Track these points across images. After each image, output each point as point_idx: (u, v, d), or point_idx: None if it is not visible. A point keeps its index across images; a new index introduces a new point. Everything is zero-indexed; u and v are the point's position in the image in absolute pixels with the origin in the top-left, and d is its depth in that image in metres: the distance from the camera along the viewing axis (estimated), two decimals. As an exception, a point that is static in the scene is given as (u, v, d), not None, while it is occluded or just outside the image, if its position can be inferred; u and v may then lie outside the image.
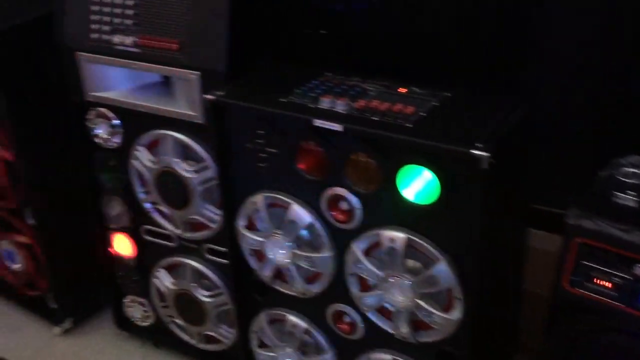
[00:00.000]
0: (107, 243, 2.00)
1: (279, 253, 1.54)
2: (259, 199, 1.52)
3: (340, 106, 1.35)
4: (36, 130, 1.92)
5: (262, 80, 1.56)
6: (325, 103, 1.36)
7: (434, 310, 1.37)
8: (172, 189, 1.74)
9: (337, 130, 1.30)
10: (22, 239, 2.10)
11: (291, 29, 1.77)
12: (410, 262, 1.36)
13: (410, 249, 1.34)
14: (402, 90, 1.42)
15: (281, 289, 1.62)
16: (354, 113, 1.33)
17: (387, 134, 1.25)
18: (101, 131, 1.82)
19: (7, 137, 1.91)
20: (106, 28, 1.66)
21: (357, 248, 1.41)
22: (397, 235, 1.33)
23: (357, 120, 1.31)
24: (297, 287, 1.57)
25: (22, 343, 2.19)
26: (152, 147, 1.75)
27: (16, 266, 2.17)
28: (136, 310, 2.08)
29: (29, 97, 1.88)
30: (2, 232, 2.15)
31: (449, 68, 1.74)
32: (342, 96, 1.38)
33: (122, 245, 1.98)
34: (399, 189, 1.30)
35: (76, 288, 2.17)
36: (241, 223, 1.58)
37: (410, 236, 1.32)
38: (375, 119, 1.30)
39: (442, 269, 1.32)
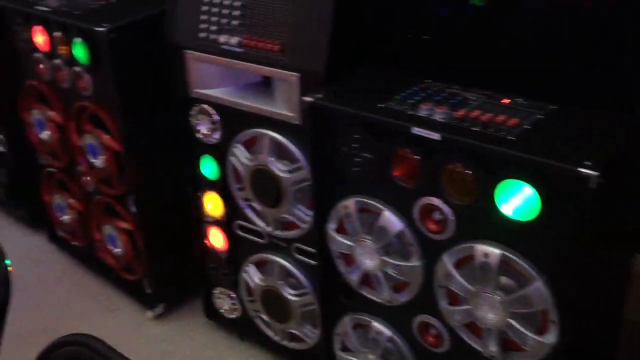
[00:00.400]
0: (202, 235, 2.07)
1: (368, 258, 1.53)
2: (350, 203, 1.52)
3: (440, 115, 1.32)
4: (143, 123, 2.02)
5: (361, 85, 1.55)
6: (424, 111, 1.34)
7: (526, 332, 1.31)
8: (266, 187, 1.78)
9: (435, 139, 1.27)
10: (124, 225, 2.22)
11: (393, 33, 1.75)
12: (504, 279, 1.31)
13: (505, 265, 1.29)
14: (506, 101, 1.38)
15: (367, 295, 1.61)
16: (453, 122, 1.30)
17: (488, 146, 1.21)
18: (203, 127, 1.88)
19: (117, 129, 2.01)
20: (213, 28, 1.71)
21: (448, 260, 1.38)
22: (492, 251, 1.29)
23: (457, 129, 1.28)
24: (383, 294, 1.56)
25: (117, 324, 2.31)
26: (249, 145, 1.79)
27: (117, 250, 2.29)
28: (225, 302, 2.14)
29: (138, 92, 1.98)
30: (107, 217, 2.28)
31: (556, 79, 1.66)
32: (442, 104, 1.36)
33: (216, 238, 2.05)
34: (497, 203, 1.25)
35: (170, 276, 2.26)
36: (331, 226, 1.59)
37: (505, 252, 1.28)
38: (476, 129, 1.26)
39: (538, 289, 1.26)
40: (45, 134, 2.33)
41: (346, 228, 1.56)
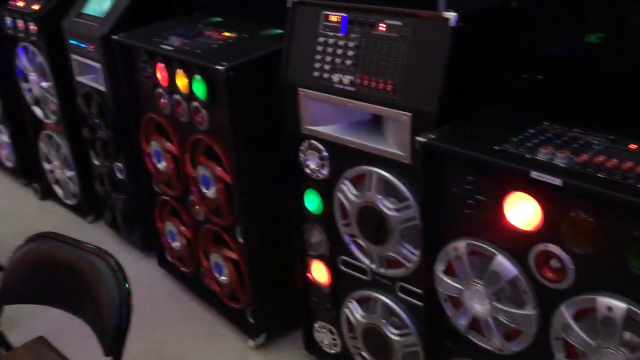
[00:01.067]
0: (305, 268, 2.10)
1: (478, 303, 1.49)
2: (461, 245, 1.49)
3: (561, 159, 1.27)
4: (254, 157, 2.09)
5: (475, 126, 1.53)
6: (543, 154, 1.30)
7: (652, 393, 1.22)
8: (372, 224, 1.78)
9: (556, 185, 1.23)
10: (231, 254, 2.29)
11: (506, 74, 1.72)
12: (628, 335, 1.24)
13: (631, 321, 1.22)
14: (633, 146, 1.31)
15: (475, 340, 1.56)
16: (575, 167, 1.26)
17: (615, 194, 1.15)
18: (311, 162, 1.92)
19: (229, 162, 2.10)
20: (327, 67, 1.76)
21: (567, 311, 1.31)
22: (617, 305, 1.22)
23: (580, 175, 1.23)
24: (493, 342, 1.50)
25: (220, 351, 2.37)
26: (357, 181, 1.81)
27: (223, 278, 2.36)
28: (325, 336, 2.15)
29: (251, 126, 2.06)
30: (215, 245, 2.36)
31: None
32: (563, 148, 1.31)
33: (319, 272, 2.07)
34: (625, 255, 1.19)
35: (273, 306, 2.30)
36: (440, 267, 1.56)
37: (632, 307, 1.20)
38: (601, 176, 1.21)
39: (668, 348, 1.18)
40: (162, 164, 2.46)
41: (455, 270, 1.53)
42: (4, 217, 3.41)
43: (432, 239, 1.57)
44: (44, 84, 3.05)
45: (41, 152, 3.39)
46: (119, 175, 2.84)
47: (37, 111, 3.23)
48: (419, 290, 1.74)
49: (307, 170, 1.94)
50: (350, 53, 1.70)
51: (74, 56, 2.77)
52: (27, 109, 3.29)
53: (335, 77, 1.73)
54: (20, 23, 2.99)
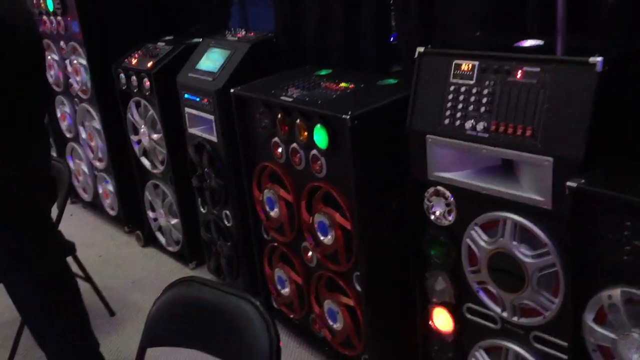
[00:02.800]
0: (427, 316, 2.08)
1: (635, 353, 1.44)
2: (616, 293, 1.45)
3: None
4: (375, 203, 2.12)
5: (626, 170, 1.51)
6: None
7: None
8: (506, 272, 1.76)
9: None
10: (346, 300, 2.30)
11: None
12: None
13: None
14: None
15: (630, 393, 1.50)
16: None
17: None
18: (437, 209, 1.93)
19: (349, 208, 2.13)
20: (458, 114, 1.78)
21: None
22: None
23: None
24: (653, 394, 1.44)
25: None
26: (488, 227, 1.80)
27: (336, 325, 2.36)
28: (447, 386, 2.10)
29: (373, 173, 2.10)
30: (329, 292, 2.38)
31: None
32: None
33: (442, 320, 2.04)
34: None
35: (390, 354, 2.28)
36: (589, 316, 1.52)
37: None
38: None
39: None
40: (274, 211, 2.52)
41: (609, 319, 1.48)
42: (109, 263, 3.54)
43: (581, 287, 1.53)
44: (154, 136, 3.20)
45: (146, 201, 3.53)
46: (226, 222, 2.92)
47: (145, 162, 3.38)
48: (558, 340, 1.69)
49: (432, 217, 1.95)
50: (484, 100, 1.72)
51: (188, 109, 2.91)
52: (135, 160, 3.45)
53: (468, 124, 1.75)
54: (134, 80, 3.17)
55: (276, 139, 2.39)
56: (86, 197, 4.17)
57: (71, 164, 4.17)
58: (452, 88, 1.80)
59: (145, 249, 3.66)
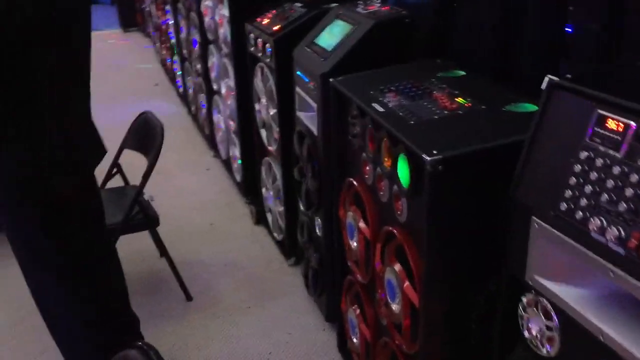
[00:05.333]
0: None
1: None
2: None
3: None
4: (454, 282, 1.48)
5: None
6: None
7: None
8: None
9: None
10: (405, 390, 1.71)
11: None
12: None
13: None
14: None
15: None
16: None
17: None
18: (533, 326, 1.24)
19: (420, 277, 1.52)
20: (584, 202, 1.06)
21: None
22: None
23: None
24: None
25: None
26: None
27: (392, 412, 1.80)
28: None
29: (456, 240, 1.45)
30: (390, 368, 1.80)
31: None
32: None
33: None
34: None
35: None
36: None
37: None
38: None
39: None
40: (353, 243, 1.97)
41: None
42: (213, 236, 3.29)
43: None
44: (271, 111, 2.79)
45: (262, 177, 3.17)
46: (317, 231, 2.44)
47: (263, 134, 3.01)
48: None
49: (526, 334, 1.27)
50: (629, 191, 0.99)
51: (297, 88, 2.43)
52: (256, 130, 3.10)
53: (595, 223, 1.03)
54: (259, 42, 2.76)
55: (365, 154, 1.82)
56: (223, 155, 3.96)
57: (215, 117, 3.97)
58: (585, 155, 1.08)
59: (256, 228, 3.34)
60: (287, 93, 2.57)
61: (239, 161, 3.51)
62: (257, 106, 3.02)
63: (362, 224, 1.88)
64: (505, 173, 1.25)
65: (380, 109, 1.66)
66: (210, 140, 4.22)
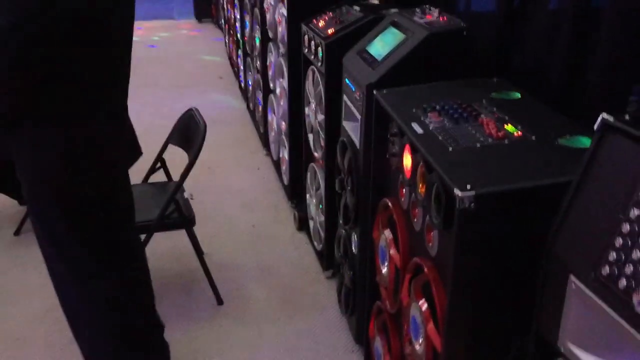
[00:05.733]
0: None
1: None
2: None
3: None
4: (479, 332, 1.33)
5: None
6: None
7: None
8: None
9: None
10: None
11: None
12: None
13: None
14: None
15: None
16: None
17: None
18: (562, 398, 1.08)
19: (444, 319, 1.37)
20: (628, 272, 0.90)
21: None
22: None
23: None
24: None
25: None
26: None
27: None
28: None
29: (484, 283, 1.30)
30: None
31: None
32: None
33: None
34: None
35: None
36: None
37: None
38: None
39: None
40: (384, 268, 1.84)
41: None
42: (255, 238, 3.21)
43: None
44: (319, 117, 2.69)
45: (307, 183, 3.08)
46: (354, 249, 2.32)
47: (311, 139, 2.91)
48: None
49: (553, 404, 1.11)
50: (685, 266, 0.82)
51: (345, 97, 2.31)
52: (304, 134, 3.00)
53: (637, 296, 0.87)
54: (312, 45, 2.66)
55: (402, 176, 1.68)
56: (274, 155, 3.89)
57: (269, 116, 3.91)
58: (637, 213, 0.91)
59: (298, 234, 3.25)
60: (335, 100, 2.45)
61: (287, 163, 3.42)
62: (306, 110, 2.93)
63: (392, 251, 1.74)
64: (547, 218, 1.10)
65: (419, 130, 1.52)
66: (264, 139, 4.16)
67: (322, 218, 2.81)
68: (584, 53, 1.76)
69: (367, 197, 2.07)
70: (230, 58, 6.28)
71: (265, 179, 3.88)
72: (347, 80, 2.27)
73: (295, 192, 3.38)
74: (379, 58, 2.07)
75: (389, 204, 1.78)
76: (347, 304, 2.41)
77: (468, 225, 1.22)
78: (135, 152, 2.04)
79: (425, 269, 1.47)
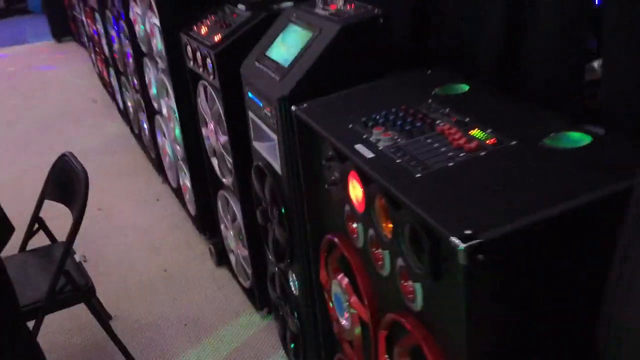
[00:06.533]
0: None
1: None
2: None
3: None
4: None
5: None
6: None
7: None
8: None
9: None
10: None
11: None
12: None
13: None
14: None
15: None
16: None
17: None
18: None
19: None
20: None
21: None
22: None
23: None
24: None
25: None
26: None
27: None
28: None
29: (501, 344, 1.00)
30: None
31: None
32: None
33: None
34: None
35: None
36: None
37: None
38: None
39: None
40: (344, 320, 1.51)
41: None
42: (169, 284, 2.78)
43: None
44: (221, 139, 2.30)
45: (219, 212, 2.68)
46: (292, 288, 1.97)
47: (215, 164, 2.51)
48: None
49: None
50: None
51: (251, 114, 1.95)
52: (207, 158, 2.60)
53: None
54: (198, 56, 2.26)
55: (349, 208, 1.35)
56: (173, 183, 3.44)
57: (159, 140, 3.45)
58: None
59: (218, 271, 2.85)
60: (239, 118, 2.08)
61: (191, 192, 3.00)
62: (204, 131, 2.53)
63: (354, 300, 1.41)
64: (579, 246, 0.81)
65: (369, 154, 1.19)
66: (158, 166, 3.69)
67: (246, 252, 2.44)
68: (518, 28, 1.51)
69: (302, 232, 1.73)
70: (101, 78, 5.67)
71: (168, 211, 3.43)
72: (250, 94, 1.91)
73: (205, 223, 2.97)
74: (286, 64, 1.71)
75: (336, 241, 1.45)
76: (297, 353, 2.06)
77: (477, 280, 0.91)
78: (3, 230, 1.57)
79: (410, 328, 1.15)
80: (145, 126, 3.70)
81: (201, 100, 2.44)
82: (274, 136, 1.76)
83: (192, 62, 2.37)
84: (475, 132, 1.18)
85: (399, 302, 1.20)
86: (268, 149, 1.87)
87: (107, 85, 5.34)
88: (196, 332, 2.46)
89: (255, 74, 1.85)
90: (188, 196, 3.12)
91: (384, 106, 1.37)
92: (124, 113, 4.64)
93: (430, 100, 1.37)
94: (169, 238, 3.15)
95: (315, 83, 1.61)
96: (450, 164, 1.09)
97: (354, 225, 1.37)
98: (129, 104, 4.18)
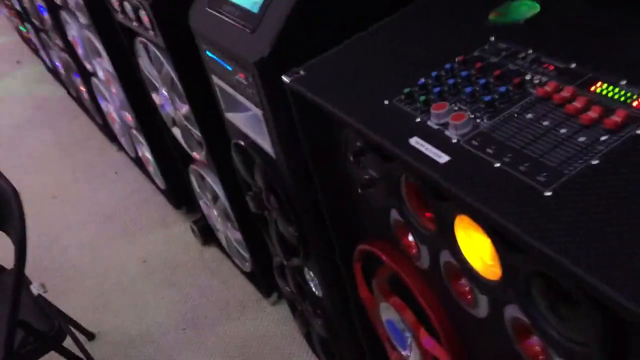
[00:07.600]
0: None
1: None
2: None
3: None
4: None
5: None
6: None
7: None
8: None
9: None
10: None
11: None
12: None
13: None
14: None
15: None
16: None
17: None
18: None
19: None
20: None
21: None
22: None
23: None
24: None
25: None
26: None
27: None
28: None
29: None
30: None
31: None
32: None
33: None
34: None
35: None
36: None
37: None
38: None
39: None
40: (409, 353, 1.12)
41: None
42: (155, 279, 2.36)
43: None
44: (183, 109, 1.81)
45: (194, 188, 2.22)
46: (313, 289, 1.57)
47: (178, 135, 2.03)
48: None
49: None
50: None
51: (216, 80, 1.45)
52: (166, 129, 2.11)
53: None
54: (128, 8, 1.71)
55: (401, 217, 0.92)
56: (130, 152, 2.94)
57: (103, 105, 2.91)
58: None
59: (207, 251, 2.42)
60: (201, 82, 1.58)
61: (155, 164, 2.52)
62: (155, 98, 2.02)
63: (424, 335, 1.01)
64: None
65: (441, 156, 0.75)
66: (108, 132, 3.16)
67: (238, 235, 2.01)
68: None
69: (318, 229, 1.30)
70: (20, 35, 4.94)
71: (132, 185, 2.94)
72: (209, 53, 1.41)
73: (180, 197, 2.53)
74: (254, 8, 1.21)
75: (384, 256, 1.03)
76: (328, 354, 1.70)
77: None
78: None
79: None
80: (83, 89, 3.13)
81: (143, 61, 1.91)
82: (256, 109, 1.29)
83: (121, 15, 1.82)
84: (603, 89, 0.74)
85: (498, 344, 0.80)
86: (249, 122, 1.40)
87: (28, 42, 4.64)
88: (199, 337, 2.07)
89: (213, 26, 1.34)
90: (152, 169, 2.64)
91: (426, 62, 0.90)
92: (55, 73, 4.01)
93: (493, 38, 0.91)
94: (140, 219, 2.70)
95: (304, 32, 1.13)
96: (594, 161, 0.66)
97: (409, 237, 0.94)
98: (58, 64, 3.57)
